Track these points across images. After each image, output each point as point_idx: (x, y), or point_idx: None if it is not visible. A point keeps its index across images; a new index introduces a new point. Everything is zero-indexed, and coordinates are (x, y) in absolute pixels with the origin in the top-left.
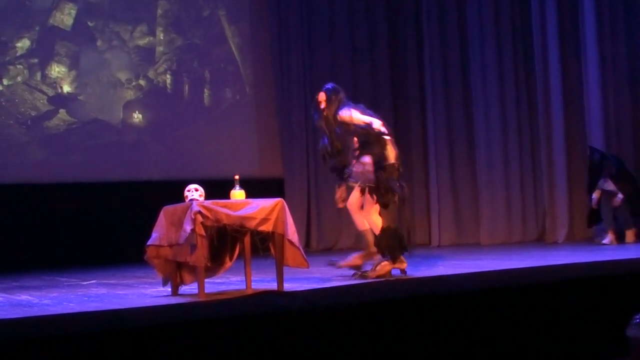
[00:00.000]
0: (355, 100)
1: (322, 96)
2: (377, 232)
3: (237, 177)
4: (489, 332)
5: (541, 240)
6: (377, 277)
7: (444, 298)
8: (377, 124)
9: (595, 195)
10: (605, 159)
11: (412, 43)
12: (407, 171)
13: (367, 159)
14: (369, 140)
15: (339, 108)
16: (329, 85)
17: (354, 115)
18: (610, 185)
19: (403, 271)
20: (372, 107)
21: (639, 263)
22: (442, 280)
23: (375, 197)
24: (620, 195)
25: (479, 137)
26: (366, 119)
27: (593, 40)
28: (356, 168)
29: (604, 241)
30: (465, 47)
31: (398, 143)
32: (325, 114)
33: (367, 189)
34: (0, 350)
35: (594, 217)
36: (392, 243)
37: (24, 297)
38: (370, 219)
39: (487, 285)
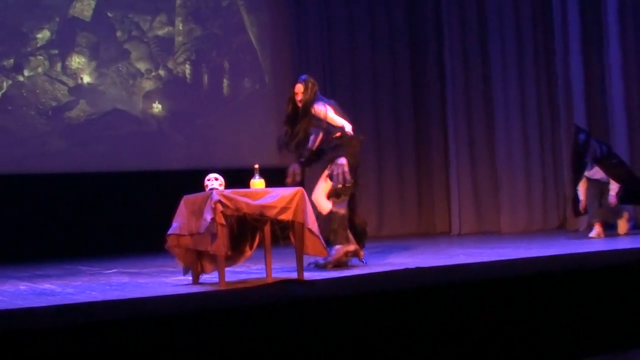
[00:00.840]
0: (376, 88)
1: (299, 87)
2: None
3: (256, 166)
4: (510, 320)
5: (562, 228)
6: (336, 265)
7: (465, 287)
8: (349, 127)
9: (581, 187)
10: (591, 140)
11: (432, 42)
12: (427, 160)
13: (343, 161)
14: (342, 142)
15: (314, 100)
16: (303, 76)
17: (329, 113)
18: (597, 174)
19: (361, 259)
20: (393, 95)
21: None
22: (463, 269)
23: (337, 191)
24: (613, 189)
25: (499, 125)
26: (339, 120)
27: (615, 33)
28: (335, 170)
29: (591, 234)
30: (485, 36)
31: (418, 133)
32: (300, 104)
33: (334, 183)
34: (25, 338)
35: (579, 210)
36: (336, 228)
37: (47, 286)
38: (323, 201)
39: (509, 273)
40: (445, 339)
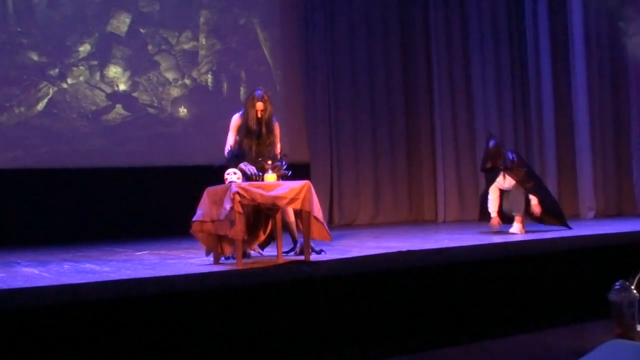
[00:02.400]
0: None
1: (261, 106)
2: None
3: (269, 162)
4: (490, 297)
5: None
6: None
7: (449, 267)
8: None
9: (491, 195)
10: (502, 147)
11: (421, 52)
12: (417, 157)
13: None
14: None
15: (272, 114)
16: (260, 92)
17: (278, 130)
18: (508, 184)
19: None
20: (387, 104)
21: (622, 236)
22: (448, 252)
23: None
24: (534, 198)
25: (479, 127)
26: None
27: (581, 51)
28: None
29: (511, 229)
30: (468, 58)
31: (410, 138)
32: (263, 117)
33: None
34: (69, 309)
35: (486, 213)
36: None
37: (87, 265)
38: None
39: (488, 255)
40: (432, 312)
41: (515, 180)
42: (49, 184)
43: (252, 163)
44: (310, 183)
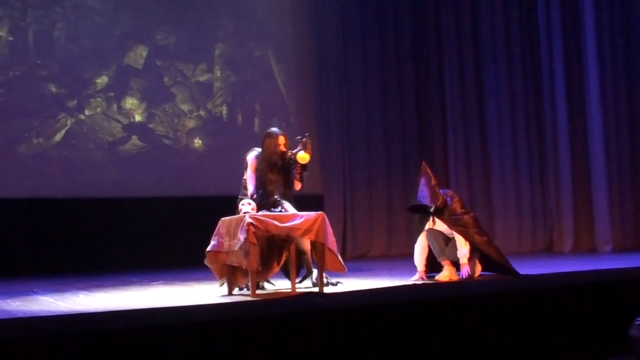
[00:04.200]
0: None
1: (283, 140)
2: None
3: (304, 139)
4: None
5: (549, 250)
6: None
7: (464, 300)
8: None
9: (420, 243)
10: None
11: (434, 81)
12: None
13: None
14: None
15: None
16: (276, 129)
17: None
18: (441, 225)
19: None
20: (401, 135)
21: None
22: (462, 286)
23: None
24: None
25: (493, 156)
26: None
27: (594, 58)
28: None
29: (438, 277)
30: (480, 70)
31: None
32: (286, 152)
33: None
34: (83, 338)
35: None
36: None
37: (101, 294)
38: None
39: (504, 289)
40: (448, 346)
41: (446, 224)
42: (65, 213)
43: (281, 197)
44: (324, 214)
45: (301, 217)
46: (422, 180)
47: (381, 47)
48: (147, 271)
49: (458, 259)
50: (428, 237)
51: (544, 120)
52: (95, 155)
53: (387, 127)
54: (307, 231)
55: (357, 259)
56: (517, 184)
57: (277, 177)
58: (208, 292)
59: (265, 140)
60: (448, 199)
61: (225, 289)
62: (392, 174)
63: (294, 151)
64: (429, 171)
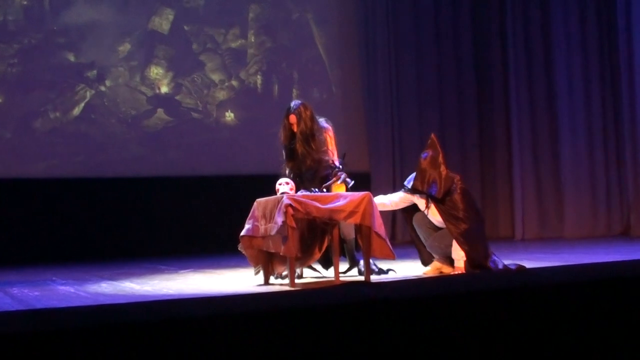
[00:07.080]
0: (442, 101)
1: (293, 119)
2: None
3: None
4: (574, 323)
5: (626, 234)
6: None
7: (527, 290)
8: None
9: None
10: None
11: (496, 42)
12: (491, 166)
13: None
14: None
15: (312, 130)
16: (298, 102)
17: (330, 139)
18: (434, 214)
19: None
20: (458, 108)
21: None
22: (528, 273)
23: None
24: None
25: (563, 132)
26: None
27: None
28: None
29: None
30: (549, 46)
31: (482, 139)
32: (297, 133)
33: None
34: (106, 332)
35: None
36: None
37: (127, 284)
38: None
39: (573, 278)
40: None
41: (440, 214)
42: (85, 195)
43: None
44: (370, 195)
45: (345, 197)
46: (428, 159)
47: (435, 11)
48: (175, 258)
49: (444, 252)
50: (415, 222)
51: (621, 92)
52: (117, 131)
53: (443, 97)
54: (351, 213)
55: (408, 244)
56: (589, 159)
57: (291, 167)
58: (242, 281)
59: (283, 120)
60: (453, 186)
61: (261, 277)
62: (447, 150)
63: (328, 184)
64: (437, 147)
